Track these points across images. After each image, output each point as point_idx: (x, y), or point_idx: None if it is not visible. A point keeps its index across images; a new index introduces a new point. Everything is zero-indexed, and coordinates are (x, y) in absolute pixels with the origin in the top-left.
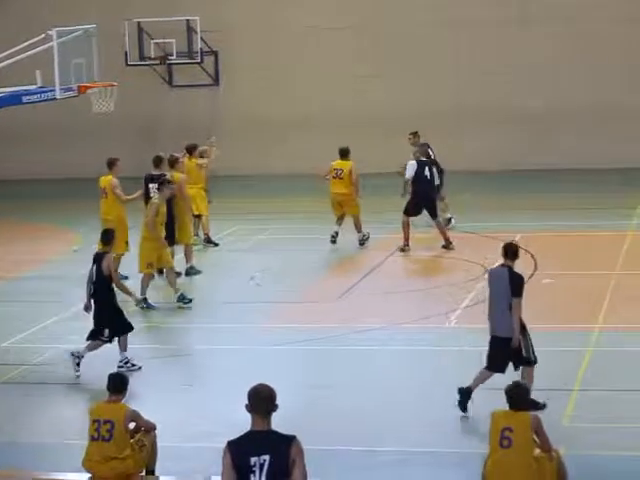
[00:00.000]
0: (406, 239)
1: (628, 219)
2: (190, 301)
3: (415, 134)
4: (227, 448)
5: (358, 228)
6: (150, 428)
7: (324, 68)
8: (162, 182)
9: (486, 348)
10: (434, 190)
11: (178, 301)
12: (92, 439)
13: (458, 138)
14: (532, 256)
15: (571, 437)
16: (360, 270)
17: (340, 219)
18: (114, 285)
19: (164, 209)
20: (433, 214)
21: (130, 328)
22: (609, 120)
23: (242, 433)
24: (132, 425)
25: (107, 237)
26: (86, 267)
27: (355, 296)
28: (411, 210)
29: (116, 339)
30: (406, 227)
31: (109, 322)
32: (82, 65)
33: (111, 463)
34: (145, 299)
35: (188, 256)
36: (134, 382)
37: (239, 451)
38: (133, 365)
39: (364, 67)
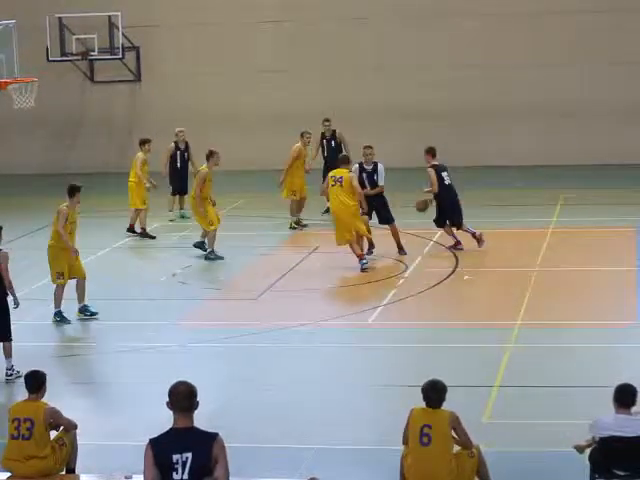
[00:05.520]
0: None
1: (548, 216)
2: (92, 314)
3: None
4: (149, 445)
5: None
6: (71, 427)
7: (247, 64)
8: None
9: (407, 345)
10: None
11: (80, 312)
12: (12, 438)
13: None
14: (454, 253)
15: (491, 434)
16: (280, 268)
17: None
18: None
19: (75, 218)
20: None
21: None
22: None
23: (164, 430)
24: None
25: None
26: None
27: (276, 294)
28: None
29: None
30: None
31: None
32: (2, 60)
33: (31, 462)
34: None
35: (210, 241)
36: (51, 380)
37: (161, 448)
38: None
39: (287, 63)
